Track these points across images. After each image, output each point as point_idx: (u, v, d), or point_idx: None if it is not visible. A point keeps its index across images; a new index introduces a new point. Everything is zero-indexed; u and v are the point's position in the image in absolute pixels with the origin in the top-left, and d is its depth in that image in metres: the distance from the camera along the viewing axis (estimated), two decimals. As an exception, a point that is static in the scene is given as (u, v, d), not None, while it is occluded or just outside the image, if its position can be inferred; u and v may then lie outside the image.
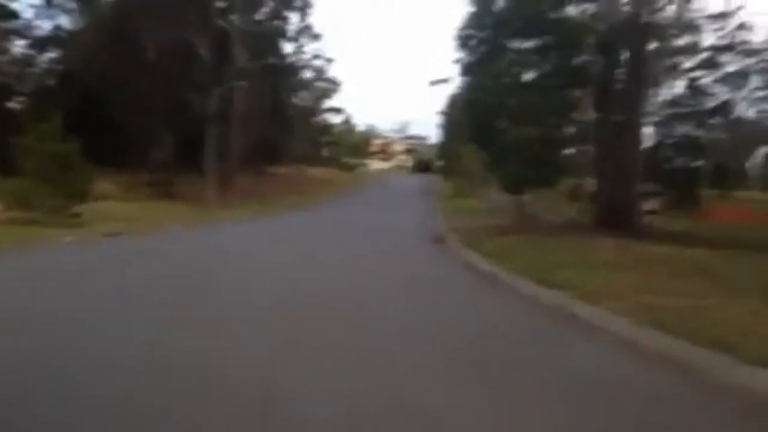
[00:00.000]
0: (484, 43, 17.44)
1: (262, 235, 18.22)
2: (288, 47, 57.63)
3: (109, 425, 3.08)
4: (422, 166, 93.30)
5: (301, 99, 70.70)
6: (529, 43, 17.02)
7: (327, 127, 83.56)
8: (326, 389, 3.67)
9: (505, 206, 24.45)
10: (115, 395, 3.45)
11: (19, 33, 41.47)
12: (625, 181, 19.88)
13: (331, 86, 79.04)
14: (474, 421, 3.25)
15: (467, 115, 19.65)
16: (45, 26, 43.18)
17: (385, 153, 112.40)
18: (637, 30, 18.70)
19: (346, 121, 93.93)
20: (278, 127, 49.56)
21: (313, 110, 76.39)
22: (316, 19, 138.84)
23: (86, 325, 5.36)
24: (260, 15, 50.01)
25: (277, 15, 51.71)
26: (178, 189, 33.21)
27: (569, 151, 23.34)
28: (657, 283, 7.60)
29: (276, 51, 52.87)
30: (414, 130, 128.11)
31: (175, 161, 37.88)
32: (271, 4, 50.17)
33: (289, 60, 57.21)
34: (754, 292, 6.80)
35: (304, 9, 53.99)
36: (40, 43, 43.00)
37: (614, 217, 19.56)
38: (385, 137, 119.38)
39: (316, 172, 62.46)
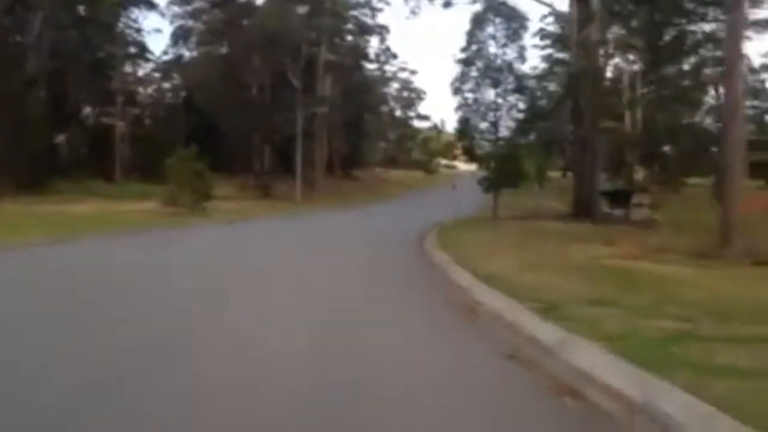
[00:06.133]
0: (470, 91, 25.58)
1: (325, 220, 26.83)
2: (370, 66, 67.33)
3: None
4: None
5: (387, 109, 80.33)
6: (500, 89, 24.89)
7: (412, 133, 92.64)
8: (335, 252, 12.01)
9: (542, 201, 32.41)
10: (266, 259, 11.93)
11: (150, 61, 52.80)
12: (587, 184, 27.16)
13: (416, 95, 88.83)
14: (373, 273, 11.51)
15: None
16: (168, 58, 54.29)
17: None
18: (588, 76, 25.95)
19: (434, 127, 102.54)
20: (359, 137, 58.97)
21: (397, 119, 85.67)
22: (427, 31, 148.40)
23: (246, 243, 14.01)
24: (344, 42, 59.38)
25: (359, 42, 60.98)
26: (275, 190, 42.75)
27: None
28: (496, 237, 15.39)
29: (358, 72, 62.02)
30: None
31: (272, 168, 47.69)
32: (354, 32, 59.38)
33: (370, 78, 66.51)
34: (538, 239, 14.51)
35: (382, 33, 63.32)
36: (165, 70, 54.44)
37: (581, 208, 26.91)
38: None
39: (396, 174, 71.16)
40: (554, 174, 54.93)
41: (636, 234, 15.44)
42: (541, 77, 51.58)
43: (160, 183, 30.62)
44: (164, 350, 4.75)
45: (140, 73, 52.03)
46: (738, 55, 11.11)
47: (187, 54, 54.98)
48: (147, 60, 50.82)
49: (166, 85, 55.92)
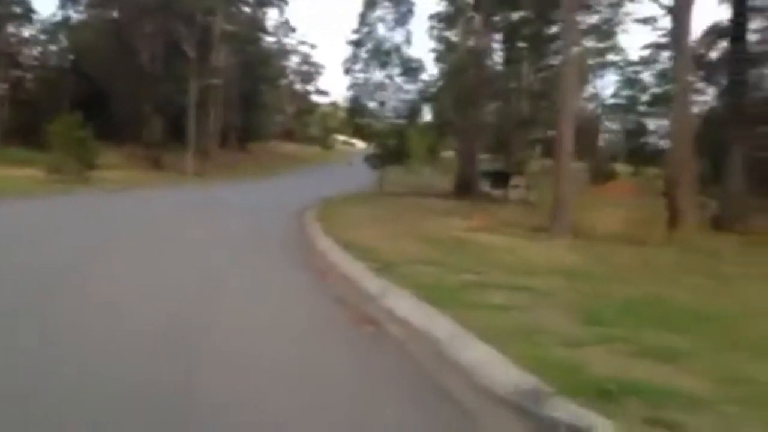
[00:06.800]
0: (360, 72, 26.90)
1: (212, 192, 27.16)
2: (269, 39, 67.00)
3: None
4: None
5: (286, 82, 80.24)
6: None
7: (310, 108, 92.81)
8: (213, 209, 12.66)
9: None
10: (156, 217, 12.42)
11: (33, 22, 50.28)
12: (470, 166, 29.07)
13: (315, 70, 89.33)
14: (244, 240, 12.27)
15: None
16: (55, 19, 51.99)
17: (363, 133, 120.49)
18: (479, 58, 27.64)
19: (333, 103, 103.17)
20: (255, 109, 58.88)
21: (295, 93, 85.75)
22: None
23: (117, 210, 14.39)
24: (241, 13, 58.77)
25: (257, 13, 60.54)
26: (165, 161, 42.21)
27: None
28: (373, 211, 16.55)
29: (256, 43, 61.60)
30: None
31: (164, 139, 46.92)
32: (251, 3, 58.86)
33: (268, 50, 66.18)
34: (385, 208, 15.77)
35: (280, 6, 63.25)
36: (52, 32, 52.01)
37: (463, 187, 28.76)
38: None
39: (292, 148, 71.37)
40: (450, 154, 57.20)
41: (496, 210, 17.09)
42: (438, 59, 53.62)
43: (42, 149, 29.78)
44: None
45: (25, 34, 49.61)
46: (569, 55, 12.73)
47: (75, 16, 52.79)
48: (32, 21, 48.35)
49: (53, 47, 53.42)
